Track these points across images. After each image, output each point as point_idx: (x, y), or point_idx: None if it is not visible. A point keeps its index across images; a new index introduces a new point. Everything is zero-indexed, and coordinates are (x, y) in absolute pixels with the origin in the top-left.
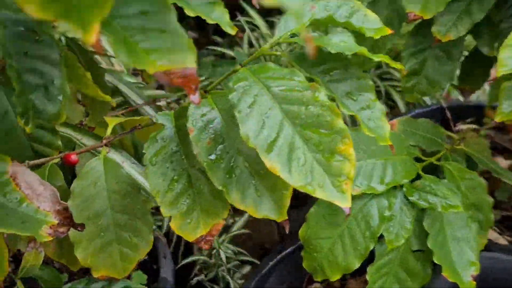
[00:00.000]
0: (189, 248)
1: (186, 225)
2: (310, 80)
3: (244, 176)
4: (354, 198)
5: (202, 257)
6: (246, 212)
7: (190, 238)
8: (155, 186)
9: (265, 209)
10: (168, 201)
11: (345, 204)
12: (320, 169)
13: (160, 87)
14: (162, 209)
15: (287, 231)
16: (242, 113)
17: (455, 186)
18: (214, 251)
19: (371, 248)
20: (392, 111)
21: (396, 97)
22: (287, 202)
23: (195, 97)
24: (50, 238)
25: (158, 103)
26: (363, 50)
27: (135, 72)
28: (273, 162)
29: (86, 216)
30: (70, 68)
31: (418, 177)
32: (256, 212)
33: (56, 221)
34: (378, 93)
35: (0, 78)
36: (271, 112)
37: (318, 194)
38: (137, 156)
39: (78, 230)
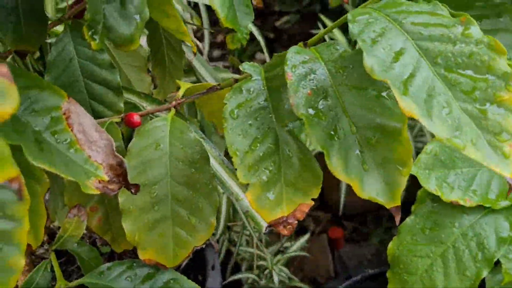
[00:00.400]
0: (238, 263)
1: (265, 199)
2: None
3: (349, 141)
4: (464, 210)
5: (251, 276)
6: (302, 236)
7: (268, 217)
8: (233, 143)
9: (372, 187)
10: (247, 164)
11: (506, 171)
12: (471, 122)
13: (237, 71)
14: (238, 173)
15: (397, 222)
16: (367, 43)
17: None
18: (266, 271)
19: (483, 276)
20: None
21: None
22: (403, 182)
23: None
24: (97, 192)
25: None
26: None
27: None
28: (407, 103)
29: (141, 182)
30: None
31: None
32: (362, 189)
33: (106, 178)
34: None
35: (70, 24)
36: (404, 48)
37: (469, 151)
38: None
39: (131, 192)
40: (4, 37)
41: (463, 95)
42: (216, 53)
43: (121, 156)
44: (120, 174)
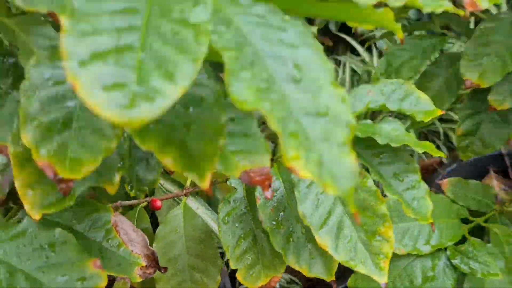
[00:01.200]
0: None
1: (249, 276)
2: (361, 165)
3: (301, 241)
4: (400, 257)
5: None
6: None
7: (252, 286)
8: (225, 242)
9: (316, 270)
10: (236, 256)
11: (382, 279)
12: (363, 247)
13: None
14: (230, 262)
15: None
16: (301, 193)
17: (500, 250)
18: None
19: None
20: (451, 153)
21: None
22: (335, 265)
23: (268, 193)
24: (141, 279)
25: None
26: (409, 141)
27: None
28: (323, 239)
29: (167, 258)
30: None
31: (464, 238)
32: (309, 272)
33: (144, 264)
34: (437, 135)
35: None
36: (325, 193)
37: (359, 269)
38: (209, 200)
39: (162, 273)
40: None
41: (360, 227)
42: None
43: (152, 248)
44: (153, 260)
